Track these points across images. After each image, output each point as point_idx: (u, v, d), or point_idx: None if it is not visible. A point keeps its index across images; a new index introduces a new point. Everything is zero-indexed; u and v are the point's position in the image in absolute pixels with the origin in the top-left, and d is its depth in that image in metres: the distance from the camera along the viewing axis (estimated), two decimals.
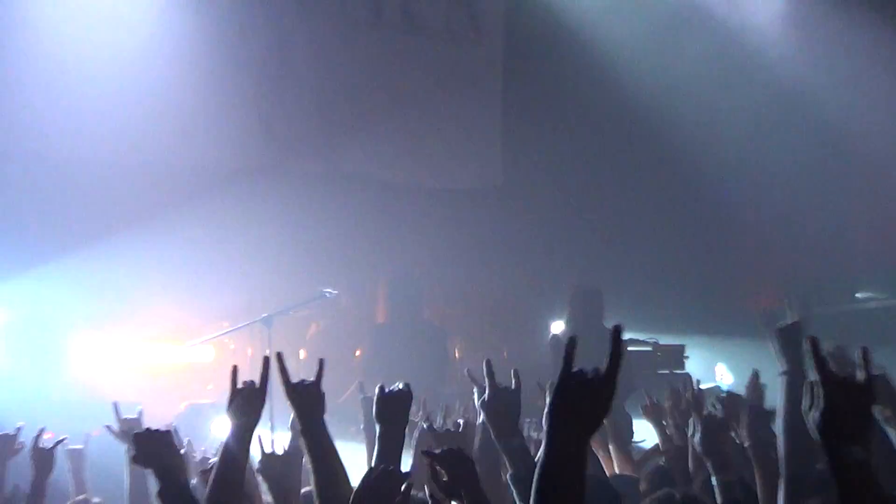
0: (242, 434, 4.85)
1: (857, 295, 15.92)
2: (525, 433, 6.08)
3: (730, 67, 15.98)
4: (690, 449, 6.30)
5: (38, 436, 6.82)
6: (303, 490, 6.14)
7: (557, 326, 13.75)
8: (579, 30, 15.79)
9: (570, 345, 3.06)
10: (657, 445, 7.68)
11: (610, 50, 15.56)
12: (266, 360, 4.95)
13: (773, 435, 5.68)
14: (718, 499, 5.44)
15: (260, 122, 15.19)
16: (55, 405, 11.83)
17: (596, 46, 15.60)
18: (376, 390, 5.45)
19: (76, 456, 7.53)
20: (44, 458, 6.79)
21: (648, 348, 13.66)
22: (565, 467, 3.11)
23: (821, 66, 15.23)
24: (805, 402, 3.25)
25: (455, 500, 4.77)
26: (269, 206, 14.53)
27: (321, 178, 15.24)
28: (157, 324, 14.09)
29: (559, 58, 16.02)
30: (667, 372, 13.11)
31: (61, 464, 7.96)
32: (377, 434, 5.39)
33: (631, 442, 8.62)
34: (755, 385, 6.61)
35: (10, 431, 7.13)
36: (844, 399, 3.23)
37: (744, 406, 6.31)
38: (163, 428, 5.31)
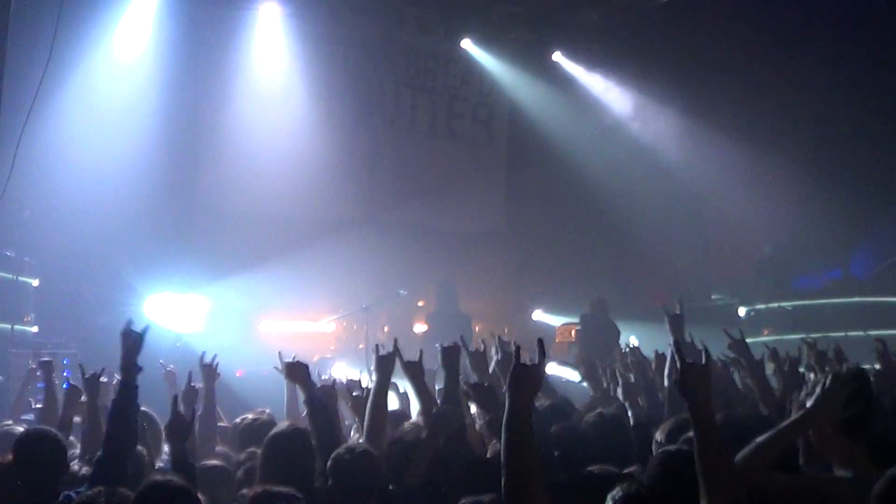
0: (383, 382, 6.80)
1: (713, 296, 18.63)
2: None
3: (638, 157, 20.20)
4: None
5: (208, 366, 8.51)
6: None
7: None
8: (555, 140, 20.13)
9: (540, 348, 4.49)
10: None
11: (571, 148, 19.94)
12: (395, 342, 7.15)
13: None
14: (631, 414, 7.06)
15: (358, 192, 19.66)
16: (245, 356, 14.36)
17: (562, 147, 19.97)
18: (438, 347, 7.32)
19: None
20: (210, 374, 8.53)
21: None
22: (520, 415, 4.28)
23: (689, 158, 19.50)
24: (670, 372, 4.57)
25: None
26: (365, 241, 18.54)
27: (396, 225, 19.43)
28: (303, 310, 18.15)
29: (543, 156, 20.34)
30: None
31: (237, 388, 11.36)
32: (445, 377, 7.16)
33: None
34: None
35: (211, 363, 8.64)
36: (689, 370, 4.41)
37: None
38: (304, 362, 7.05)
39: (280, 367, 8.05)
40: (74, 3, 12.03)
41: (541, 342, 4.49)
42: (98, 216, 15.58)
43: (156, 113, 16.76)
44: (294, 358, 7.13)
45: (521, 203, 21.57)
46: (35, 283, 14.69)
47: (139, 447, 6.21)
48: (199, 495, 5.18)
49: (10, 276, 14.14)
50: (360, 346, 16.11)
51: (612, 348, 12.93)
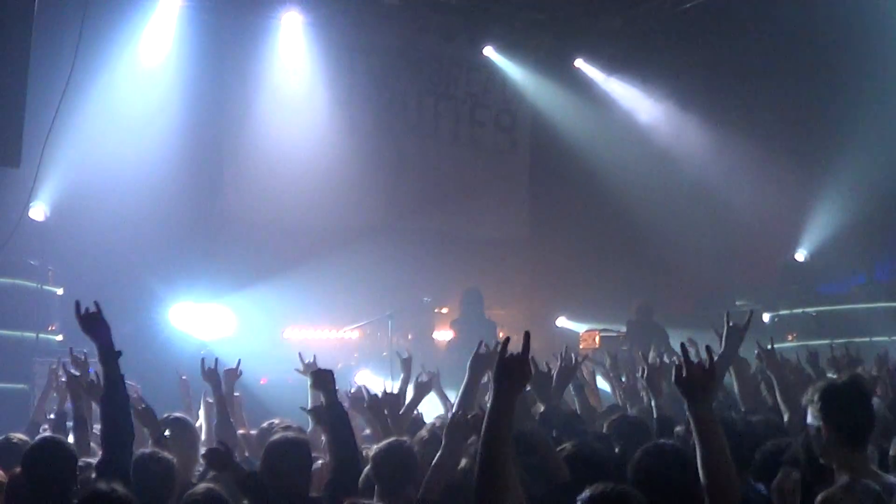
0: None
1: (737, 302, 17.97)
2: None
3: (661, 163, 20.18)
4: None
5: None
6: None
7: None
8: (578, 146, 20.16)
9: (525, 339, 4.36)
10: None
11: (594, 154, 19.97)
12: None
13: None
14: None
15: (381, 200, 19.71)
16: (270, 364, 14.54)
17: (585, 153, 20.01)
18: (472, 354, 7.25)
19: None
20: (217, 384, 8.55)
21: (615, 334, 17.09)
22: (502, 410, 4.25)
23: (712, 163, 19.46)
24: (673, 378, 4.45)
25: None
26: (388, 249, 18.45)
27: (419, 232, 19.42)
28: (327, 319, 18.08)
29: (566, 162, 20.37)
30: (626, 348, 15.76)
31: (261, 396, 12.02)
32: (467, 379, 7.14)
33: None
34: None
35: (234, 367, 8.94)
36: (692, 376, 4.43)
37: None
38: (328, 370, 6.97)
39: (301, 368, 8.56)
40: (96, 13, 12.21)
41: (527, 334, 4.38)
42: (122, 224, 15.67)
43: (179, 121, 16.88)
44: (314, 359, 7.26)
45: (544, 209, 21.65)
46: (59, 291, 14.80)
47: (166, 455, 6.15)
48: None
49: (35, 284, 14.28)
50: (384, 354, 16.13)
51: (664, 352, 12.72)
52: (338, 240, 18.38)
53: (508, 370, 4.26)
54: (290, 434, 6.64)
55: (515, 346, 4.33)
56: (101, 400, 6.08)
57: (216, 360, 8.74)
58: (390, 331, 16.35)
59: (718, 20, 18.49)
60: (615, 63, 20.64)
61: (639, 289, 18.95)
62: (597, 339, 17.76)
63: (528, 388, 4.77)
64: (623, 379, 10.07)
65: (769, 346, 8.45)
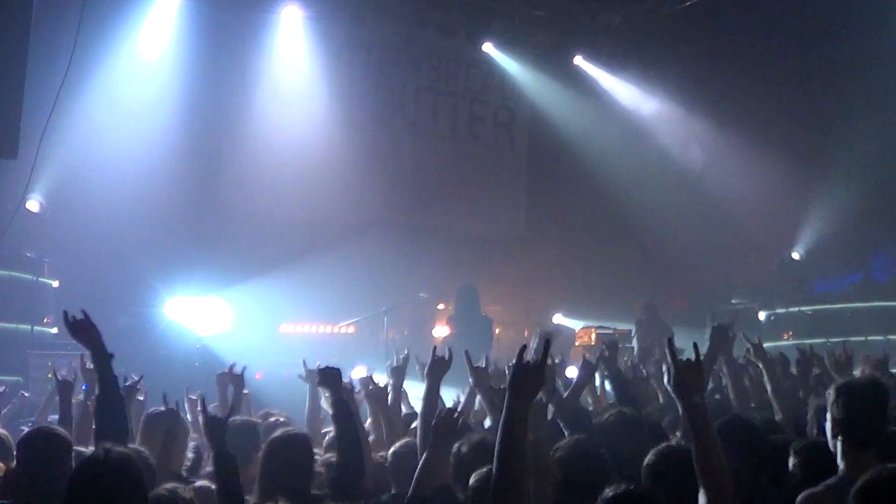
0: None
1: (733, 300, 18.60)
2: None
3: (659, 161, 20.47)
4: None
5: (234, 370, 8.68)
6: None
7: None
8: (576, 143, 20.23)
9: (545, 347, 4.37)
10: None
11: (592, 151, 19.99)
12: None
13: None
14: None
15: (379, 195, 19.47)
16: (266, 358, 13.87)
17: (584, 150, 20.05)
18: (465, 356, 7.28)
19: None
20: (237, 381, 8.62)
21: (611, 331, 16.73)
22: (518, 418, 4.24)
23: (710, 162, 19.88)
24: (666, 373, 4.52)
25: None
26: (385, 244, 18.34)
27: (416, 228, 19.56)
28: (323, 314, 17.96)
29: (564, 159, 20.40)
30: (621, 345, 14.44)
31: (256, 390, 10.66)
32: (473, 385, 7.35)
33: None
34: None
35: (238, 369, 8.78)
36: (683, 370, 4.50)
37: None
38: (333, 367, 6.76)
39: (304, 375, 8.41)
40: (96, 4, 12.04)
41: (547, 343, 4.44)
42: (119, 217, 15.57)
43: (177, 114, 16.78)
44: (319, 365, 7.04)
45: (542, 206, 21.62)
46: (55, 284, 14.78)
47: (139, 448, 6.06)
48: None
49: (31, 276, 14.28)
50: (380, 350, 16.03)
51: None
52: (335, 235, 18.30)
53: (524, 379, 4.29)
54: (291, 430, 6.60)
55: (512, 350, 4.52)
56: (96, 401, 6.10)
57: (244, 367, 8.76)
58: (386, 326, 16.29)
59: (716, 18, 18.57)
60: (614, 60, 20.69)
61: (635, 286, 19.10)
62: (593, 336, 17.74)
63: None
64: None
65: (756, 341, 8.51)
